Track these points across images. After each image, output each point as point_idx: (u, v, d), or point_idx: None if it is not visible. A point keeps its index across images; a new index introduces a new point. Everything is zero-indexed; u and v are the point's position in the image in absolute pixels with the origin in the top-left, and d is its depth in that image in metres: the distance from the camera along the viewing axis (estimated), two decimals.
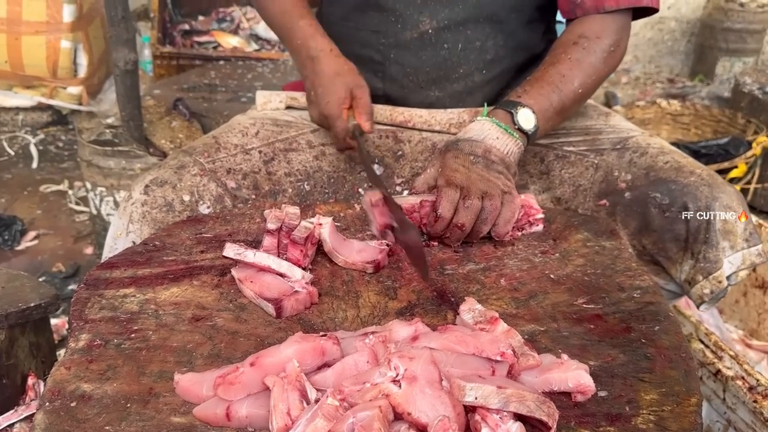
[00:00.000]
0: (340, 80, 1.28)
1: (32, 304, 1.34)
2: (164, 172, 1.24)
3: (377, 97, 1.42)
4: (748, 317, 2.10)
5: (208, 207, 1.24)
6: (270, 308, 0.93)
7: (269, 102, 1.46)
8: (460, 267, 1.05)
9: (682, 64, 5.16)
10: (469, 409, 0.70)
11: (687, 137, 3.33)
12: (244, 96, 3.17)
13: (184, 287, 0.98)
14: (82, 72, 3.71)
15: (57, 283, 2.49)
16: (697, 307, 1.20)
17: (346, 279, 1.03)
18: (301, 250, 1.01)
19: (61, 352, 0.88)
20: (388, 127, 1.41)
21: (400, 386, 0.69)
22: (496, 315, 0.86)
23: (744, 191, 2.88)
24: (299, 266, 0.99)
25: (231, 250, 0.97)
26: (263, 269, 0.97)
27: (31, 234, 2.85)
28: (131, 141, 2.41)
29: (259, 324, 0.92)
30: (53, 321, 2.10)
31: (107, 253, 1.23)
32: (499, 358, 0.76)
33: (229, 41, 4.22)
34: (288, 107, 1.45)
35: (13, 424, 1.24)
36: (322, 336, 0.78)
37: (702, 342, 1.52)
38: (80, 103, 3.76)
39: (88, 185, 2.54)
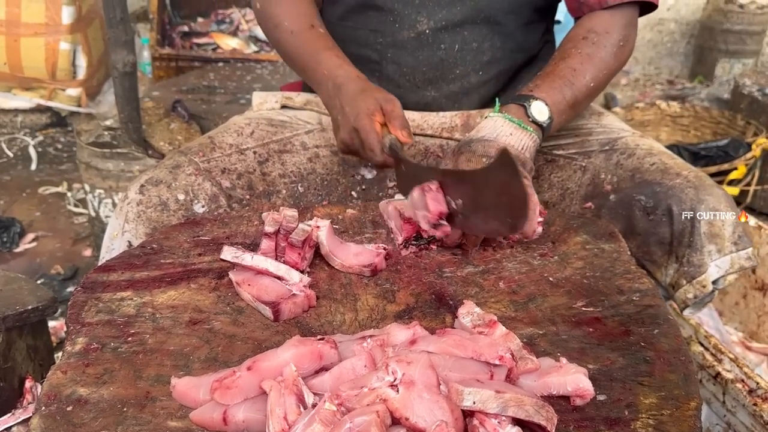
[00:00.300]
0: (368, 94, 1.21)
1: (30, 307, 1.34)
2: (159, 172, 1.24)
3: None
4: (747, 319, 2.09)
5: (203, 206, 1.24)
6: (267, 311, 0.92)
7: (265, 102, 1.46)
8: (459, 270, 1.05)
9: (682, 65, 5.17)
10: (468, 414, 0.70)
11: (686, 139, 3.33)
12: (243, 98, 3.17)
13: (181, 290, 0.98)
14: (81, 74, 3.71)
15: (55, 285, 2.49)
16: (681, 312, 1.19)
17: (344, 282, 1.02)
18: (299, 253, 1.01)
19: (59, 355, 0.87)
20: None
21: (397, 391, 0.69)
22: (495, 318, 0.85)
23: (743, 193, 2.87)
24: (297, 269, 0.99)
25: (228, 253, 0.96)
26: (261, 272, 0.97)
27: (30, 236, 2.85)
28: (130, 143, 2.41)
29: (256, 327, 0.92)
30: (52, 323, 2.10)
31: (104, 254, 1.23)
32: (497, 362, 0.75)
33: (228, 43, 4.22)
34: (283, 106, 1.45)
35: (10, 427, 1.24)
36: (319, 340, 0.78)
37: (702, 345, 1.52)
38: (79, 105, 3.76)
39: (87, 187, 2.54)
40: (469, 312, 0.89)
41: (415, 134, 1.39)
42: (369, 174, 1.38)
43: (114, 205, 2.48)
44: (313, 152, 1.37)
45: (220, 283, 1.00)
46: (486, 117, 1.19)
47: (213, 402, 0.74)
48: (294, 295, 0.94)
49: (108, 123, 2.64)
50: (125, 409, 0.76)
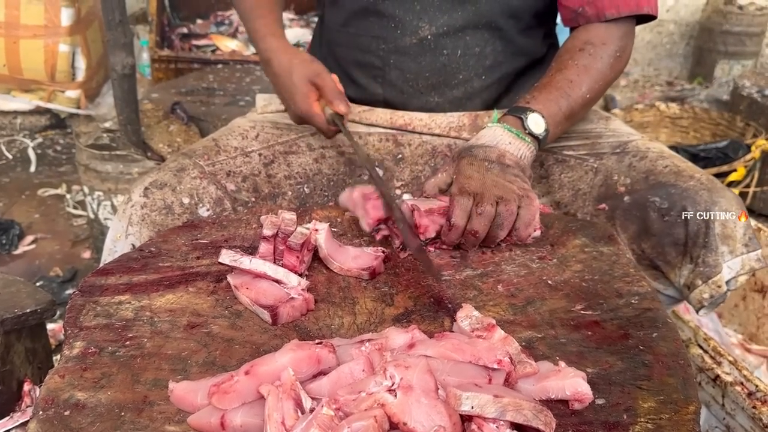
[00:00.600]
0: (296, 75, 1.26)
1: (28, 310, 1.34)
2: (164, 175, 1.24)
3: (377, 103, 1.42)
4: (747, 321, 2.09)
5: (208, 210, 1.24)
6: (266, 315, 0.92)
7: (269, 105, 1.46)
8: (458, 273, 1.05)
9: (681, 67, 5.17)
10: (466, 419, 0.70)
11: (686, 140, 3.33)
12: (242, 99, 3.16)
13: (179, 294, 0.98)
14: (81, 76, 3.71)
15: (54, 288, 2.49)
16: (697, 312, 1.20)
17: (342, 285, 1.02)
18: (297, 257, 1.01)
19: (58, 358, 0.87)
20: (389, 131, 1.41)
21: (395, 396, 0.69)
22: (493, 322, 0.85)
23: (743, 195, 2.87)
24: (295, 272, 0.99)
25: (227, 257, 0.96)
26: (259, 275, 0.96)
27: (29, 238, 2.85)
28: (129, 145, 2.41)
29: (254, 331, 0.91)
30: (51, 326, 2.10)
31: (106, 256, 1.23)
32: (495, 366, 0.75)
33: (228, 45, 4.22)
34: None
35: (9, 430, 1.24)
36: (317, 344, 0.78)
37: (701, 347, 1.52)
38: (78, 107, 3.76)
39: (86, 189, 2.54)
40: (467, 315, 0.89)
41: (423, 134, 1.39)
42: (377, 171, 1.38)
43: (113, 207, 2.48)
44: (319, 153, 1.38)
45: (218, 287, 1.00)
46: (485, 127, 1.21)
47: (211, 406, 0.74)
48: (292, 298, 0.94)
49: (107, 125, 2.64)
50: (123, 413, 0.76)
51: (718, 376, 1.44)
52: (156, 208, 1.20)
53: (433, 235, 1.10)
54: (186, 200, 1.22)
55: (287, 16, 4.44)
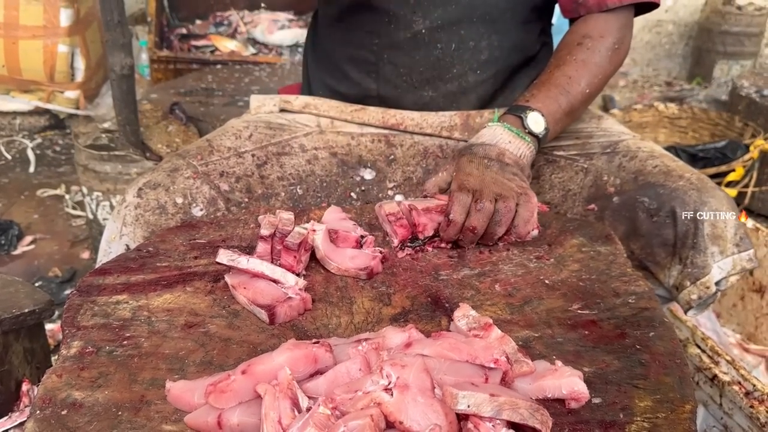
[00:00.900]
0: None
1: (26, 310, 1.34)
2: (157, 175, 1.24)
3: (371, 98, 1.41)
4: (745, 321, 2.09)
5: (201, 210, 1.24)
6: (263, 315, 0.92)
7: (263, 105, 1.46)
8: (455, 272, 1.05)
9: (680, 67, 5.17)
10: (462, 417, 0.70)
11: (684, 141, 3.33)
12: (241, 100, 3.16)
13: (177, 294, 0.98)
14: (80, 76, 3.72)
15: (53, 288, 2.49)
16: (685, 313, 1.20)
17: (340, 285, 1.02)
18: (295, 256, 1.01)
19: (56, 358, 0.87)
20: (381, 131, 1.40)
21: (392, 394, 0.69)
22: (490, 321, 0.85)
23: (741, 195, 2.87)
24: (293, 272, 0.99)
25: (224, 256, 0.96)
26: (257, 275, 0.96)
27: (28, 238, 2.85)
28: (128, 145, 2.41)
29: (252, 330, 0.91)
30: (49, 326, 2.10)
31: (102, 257, 1.23)
32: (492, 365, 0.75)
33: (227, 45, 4.22)
34: (282, 110, 1.45)
35: (7, 430, 1.24)
36: (314, 343, 0.78)
37: (698, 347, 1.52)
38: (77, 108, 3.76)
39: (85, 189, 2.54)
40: (464, 315, 0.89)
41: (414, 134, 1.39)
42: (368, 175, 1.38)
43: (112, 207, 2.48)
44: (312, 154, 1.37)
45: (215, 287, 1.00)
46: (485, 126, 1.21)
47: (208, 406, 0.74)
48: (289, 298, 0.94)
49: (106, 125, 2.64)
50: (120, 412, 0.76)
51: (715, 376, 1.44)
52: (149, 209, 1.20)
53: (431, 233, 1.10)
54: (179, 200, 1.22)
55: (287, 16, 4.44)
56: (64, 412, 0.76)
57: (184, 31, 4.31)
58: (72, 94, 3.73)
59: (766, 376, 1.85)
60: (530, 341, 0.89)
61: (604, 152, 1.30)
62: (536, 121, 1.18)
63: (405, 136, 1.40)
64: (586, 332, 0.90)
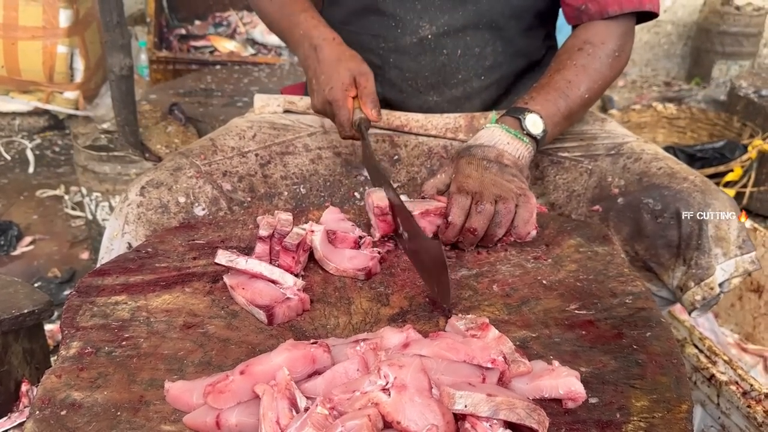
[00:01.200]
0: (344, 65, 1.24)
1: (26, 311, 1.34)
2: (160, 174, 1.25)
3: None
4: (743, 321, 2.10)
5: (204, 209, 1.24)
6: (262, 315, 0.93)
7: (267, 105, 1.46)
8: (453, 273, 1.05)
9: (679, 67, 5.17)
10: (459, 417, 0.70)
11: (683, 141, 3.34)
12: (240, 101, 3.17)
13: (175, 294, 0.98)
14: (79, 77, 3.72)
15: (53, 289, 2.49)
16: (689, 314, 1.20)
17: (338, 285, 1.03)
18: (293, 257, 1.01)
19: (56, 358, 0.88)
20: (385, 131, 1.41)
21: (389, 395, 0.69)
22: (487, 321, 0.86)
23: (740, 195, 2.88)
24: (291, 273, 0.99)
25: (223, 257, 0.97)
26: (255, 276, 0.97)
27: (27, 239, 2.85)
28: (127, 146, 2.41)
29: (250, 331, 0.92)
30: (49, 327, 2.10)
31: (103, 255, 1.24)
32: (489, 365, 0.76)
33: (226, 46, 4.22)
34: (286, 111, 1.45)
35: (6, 430, 1.24)
36: (312, 343, 0.78)
37: (696, 347, 1.52)
38: (77, 108, 3.76)
39: (84, 190, 2.54)
40: (462, 316, 0.89)
41: (419, 135, 1.40)
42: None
43: (111, 208, 2.48)
44: (316, 154, 1.38)
45: (214, 287, 1.00)
46: (484, 128, 1.22)
47: (206, 406, 0.74)
48: (288, 298, 0.95)
49: (105, 126, 2.64)
50: (119, 413, 0.76)
51: (713, 376, 1.44)
52: (152, 207, 1.21)
53: (430, 236, 1.11)
54: (182, 199, 1.23)
55: None
56: (63, 413, 0.76)
57: (183, 31, 4.31)
58: (71, 94, 3.73)
59: (764, 376, 1.85)
60: (527, 341, 0.89)
61: (609, 154, 1.31)
62: (534, 123, 1.19)
63: (409, 137, 1.40)
64: (583, 332, 0.90)
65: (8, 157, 3.65)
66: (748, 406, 1.35)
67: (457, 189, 1.09)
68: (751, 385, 1.37)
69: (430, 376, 0.73)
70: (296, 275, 1.01)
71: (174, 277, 1.02)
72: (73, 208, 3.08)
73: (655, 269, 1.22)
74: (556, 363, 0.82)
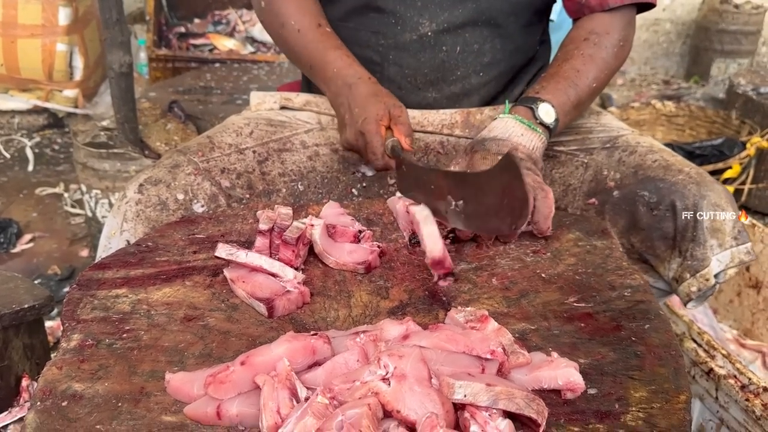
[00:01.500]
0: (378, 99, 1.24)
1: (26, 306, 1.35)
2: (158, 171, 1.25)
3: None
4: (742, 317, 2.10)
5: (202, 206, 1.24)
6: (262, 308, 0.93)
7: (263, 102, 1.46)
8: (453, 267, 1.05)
9: (678, 65, 5.18)
10: (459, 407, 0.70)
11: (682, 138, 3.34)
12: (239, 98, 3.17)
13: (176, 287, 0.99)
14: (78, 75, 3.72)
15: (52, 286, 2.49)
16: (684, 305, 1.21)
17: (338, 279, 1.03)
18: (293, 251, 1.01)
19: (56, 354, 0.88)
20: None
21: (389, 384, 0.69)
22: (486, 313, 0.86)
23: (738, 192, 2.88)
24: (291, 266, 0.99)
25: (223, 251, 0.97)
26: (255, 269, 0.97)
27: (27, 237, 2.85)
28: (126, 143, 2.41)
29: (250, 324, 0.92)
30: (49, 323, 2.10)
31: (101, 252, 1.24)
32: (489, 356, 0.76)
33: (225, 44, 4.22)
34: (282, 107, 1.45)
35: (6, 425, 1.25)
36: (312, 335, 0.78)
37: (695, 341, 1.53)
38: (76, 106, 3.76)
39: (84, 188, 2.54)
40: (461, 308, 0.89)
41: (415, 131, 1.40)
42: (369, 171, 1.38)
43: (110, 205, 2.48)
44: (313, 150, 1.38)
45: (214, 281, 1.00)
46: (497, 118, 1.22)
47: (207, 397, 0.75)
48: (288, 291, 0.95)
49: (104, 124, 2.65)
50: (120, 404, 0.77)
51: (711, 370, 1.45)
52: (150, 204, 1.21)
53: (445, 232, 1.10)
54: (180, 196, 1.23)
55: None
56: (64, 404, 0.76)
57: (182, 29, 4.31)
58: (71, 92, 3.73)
59: (763, 372, 1.86)
60: (526, 333, 0.90)
61: (604, 147, 1.32)
62: (547, 112, 1.19)
63: None
64: (582, 325, 0.91)
65: (8, 155, 3.65)
66: (747, 400, 1.36)
67: None
68: (750, 379, 1.38)
69: (430, 366, 0.73)
70: (296, 269, 1.01)
71: (174, 270, 1.02)
72: (72, 206, 3.08)
73: (651, 261, 1.22)
74: (555, 354, 0.82)
